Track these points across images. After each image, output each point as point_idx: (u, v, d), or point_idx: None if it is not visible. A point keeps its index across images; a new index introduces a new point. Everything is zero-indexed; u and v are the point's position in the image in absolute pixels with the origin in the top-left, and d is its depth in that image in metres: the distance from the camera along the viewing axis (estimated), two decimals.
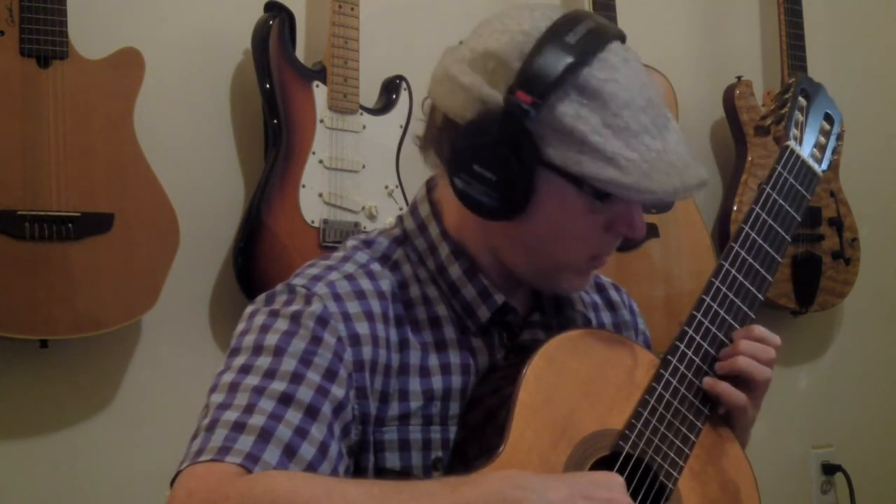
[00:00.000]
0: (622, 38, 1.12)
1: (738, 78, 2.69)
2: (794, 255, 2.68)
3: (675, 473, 1.13)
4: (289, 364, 1.03)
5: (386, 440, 1.10)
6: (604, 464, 1.10)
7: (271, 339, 1.06)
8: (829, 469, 2.95)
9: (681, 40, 2.80)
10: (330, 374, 1.04)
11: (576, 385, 1.11)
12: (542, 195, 1.08)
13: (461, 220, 1.17)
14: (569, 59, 1.05)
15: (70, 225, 1.84)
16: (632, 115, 1.06)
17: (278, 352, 1.04)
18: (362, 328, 1.09)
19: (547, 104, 1.05)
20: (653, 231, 2.50)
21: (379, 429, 1.10)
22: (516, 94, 1.05)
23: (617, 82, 1.06)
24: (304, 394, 1.02)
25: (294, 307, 1.08)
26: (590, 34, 1.08)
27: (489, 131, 1.06)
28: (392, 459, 1.10)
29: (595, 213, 1.11)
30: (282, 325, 1.07)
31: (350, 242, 1.20)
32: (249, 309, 1.12)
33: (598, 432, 1.11)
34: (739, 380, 1.19)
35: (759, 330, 1.22)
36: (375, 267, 1.16)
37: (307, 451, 0.99)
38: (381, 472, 1.10)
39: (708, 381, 1.19)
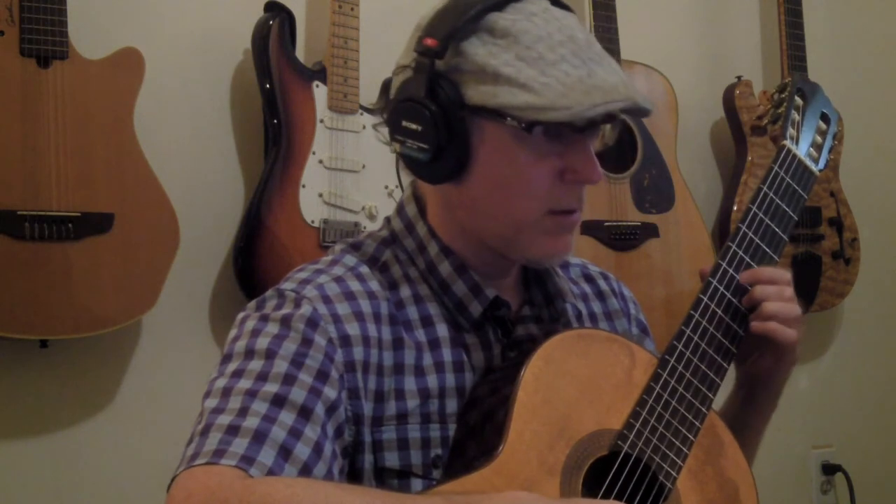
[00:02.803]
0: (561, 5, 1.13)
1: (738, 78, 2.69)
2: (793, 255, 2.68)
3: (673, 473, 1.13)
4: (280, 366, 1.04)
5: (385, 439, 1.10)
6: (602, 464, 1.10)
7: (262, 343, 1.06)
8: (829, 469, 2.95)
9: (681, 40, 2.80)
10: (321, 376, 1.05)
11: (574, 385, 1.12)
12: (478, 146, 1.09)
13: (441, 215, 1.18)
14: (477, 6, 1.08)
15: (70, 225, 1.84)
16: (547, 48, 1.07)
17: (269, 355, 1.05)
18: (352, 329, 1.09)
19: (456, 46, 1.08)
20: (653, 231, 2.50)
21: (377, 428, 1.10)
22: (423, 41, 1.08)
23: (529, 21, 1.08)
24: (297, 395, 1.02)
25: (284, 311, 1.09)
26: None
27: (410, 86, 1.10)
28: (391, 459, 1.10)
29: (541, 159, 1.10)
30: (272, 328, 1.07)
31: (338, 247, 1.21)
32: (240, 315, 1.13)
33: (597, 432, 1.11)
34: (764, 346, 1.23)
35: (771, 273, 1.22)
36: (364, 269, 1.16)
37: (302, 451, 0.99)
38: (381, 472, 1.10)
39: (756, 325, 1.20)
